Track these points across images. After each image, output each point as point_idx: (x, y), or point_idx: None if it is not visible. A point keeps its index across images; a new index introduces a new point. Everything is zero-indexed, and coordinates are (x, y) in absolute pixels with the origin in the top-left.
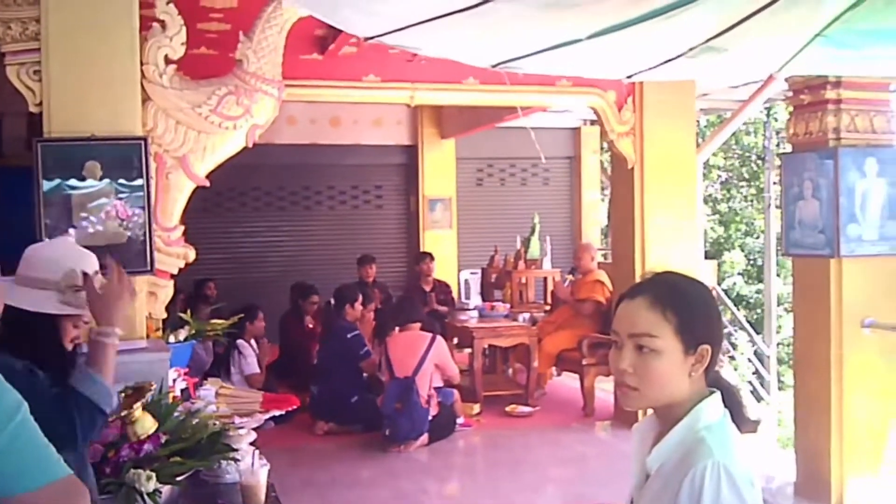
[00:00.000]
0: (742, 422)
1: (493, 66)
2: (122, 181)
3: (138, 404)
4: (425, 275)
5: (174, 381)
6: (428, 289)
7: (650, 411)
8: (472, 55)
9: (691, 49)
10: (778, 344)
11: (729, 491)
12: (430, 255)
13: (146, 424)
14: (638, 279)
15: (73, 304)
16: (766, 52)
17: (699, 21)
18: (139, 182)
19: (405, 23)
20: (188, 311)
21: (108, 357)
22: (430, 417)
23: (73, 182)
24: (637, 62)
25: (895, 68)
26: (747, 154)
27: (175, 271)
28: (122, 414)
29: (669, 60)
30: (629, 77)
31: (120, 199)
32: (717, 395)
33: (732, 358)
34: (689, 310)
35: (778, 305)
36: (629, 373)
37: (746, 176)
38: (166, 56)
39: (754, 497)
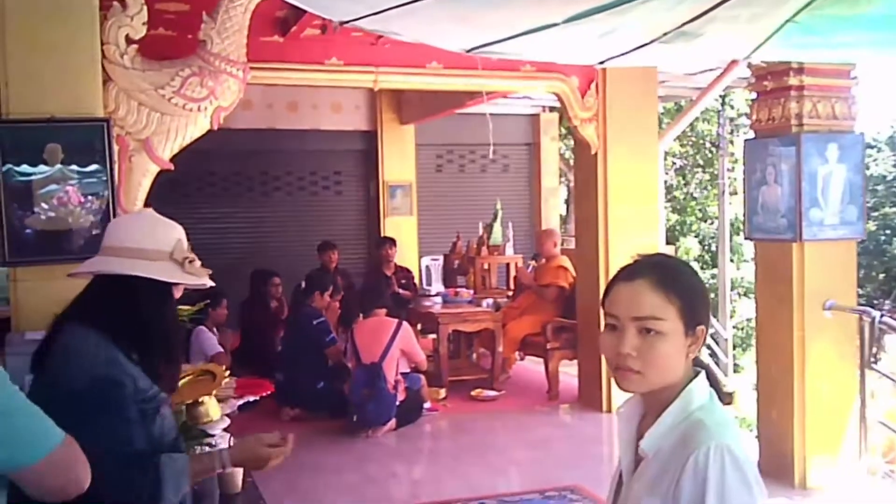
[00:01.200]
0: (721, 396)
1: (468, 51)
2: (74, 166)
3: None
4: (387, 260)
5: None
6: (389, 273)
7: (624, 396)
8: (448, 40)
9: (665, 34)
10: (732, 327)
11: (733, 472)
12: (391, 240)
13: (212, 410)
14: (628, 262)
15: (195, 275)
16: (737, 37)
17: (674, 6)
18: (94, 166)
19: (382, 6)
20: None
21: (206, 475)
22: (397, 403)
23: (24, 168)
24: (611, 47)
25: (861, 55)
26: (702, 141)
27: None
28: (198, 400)
29: (643, 45)
30: (602, 63)
31: (71, 185)
32: (703, 375)
33: None
34: (690, 291)
35: (731, 290)
36: (633, 356)
37: (701, 163)
38: (127, 36)
39: (756, 475)
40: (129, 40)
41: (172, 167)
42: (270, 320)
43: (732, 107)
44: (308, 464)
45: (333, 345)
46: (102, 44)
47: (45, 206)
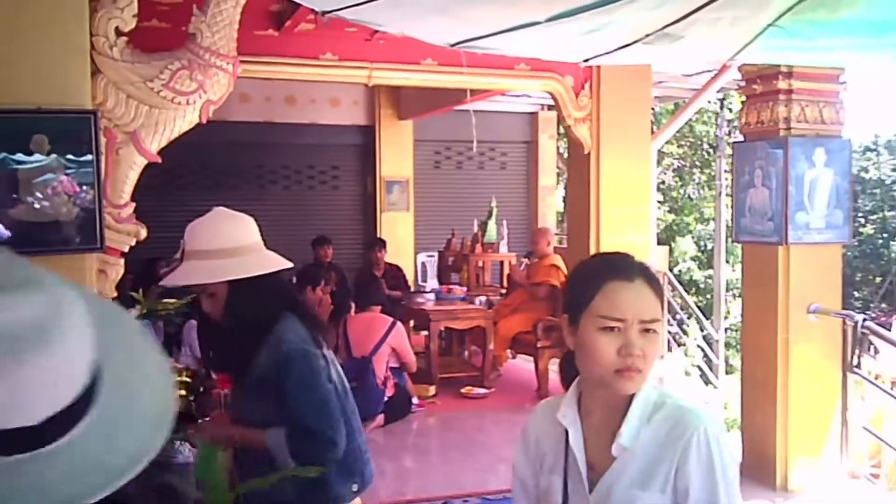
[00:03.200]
0: None
1: (452, 46)
2: (70, 156)
3: None
4: (376, 262)
5: None
6: (379, 274)
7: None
8: (432, 34)
9: (648, 35)
10: (726, 329)
11: (727, 451)
12: (381, 243)
13: None
14: (599, 258)
15: None
16: (720, 40)
17: (657, 7)
18: (88, 157)
19: None
20: (138, 291)
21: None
22: (385, 399)
23: (19, 157)
24: (594, 46)
25: (843, 59)
26: (700, 142)
27: (125, 249)
28: None
29: (626, 46)
30: (586, 61)
31: (67, 174)
32: None
33: (682, 343)
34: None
35: (727, 291)
36: (639, 356)
37: (699, 164)
38: (117, 28)
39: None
40: (118, 32)
41: (160, 160)
42: None
43: (731, 109)
44: None
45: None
46: (91, 35)
47: (38, 195)
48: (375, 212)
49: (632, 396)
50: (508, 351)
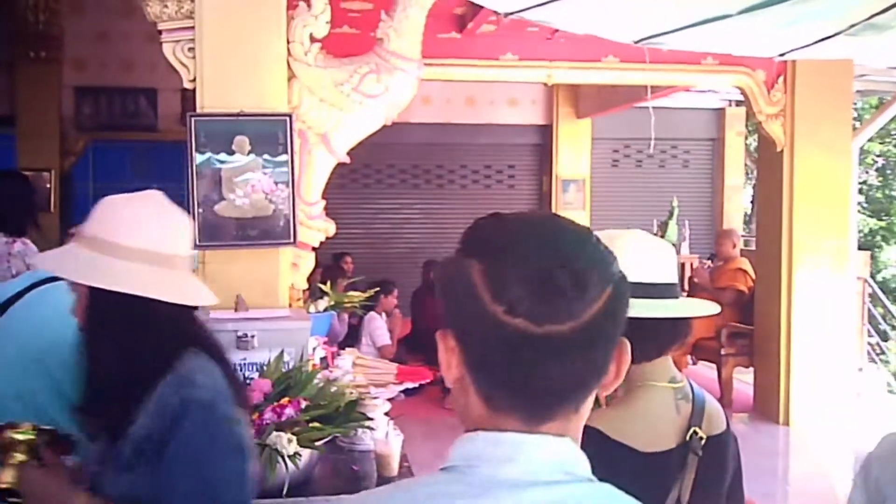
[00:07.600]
0: None
1: (637, 42)
2: (266, 156)
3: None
4: None
5: (314, 349)
6: None
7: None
8: (615, 31)
9: (852, 26)
10: None
11: None
12: None
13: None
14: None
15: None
16: None
17: None
18: (283, 158)
19: None
20: (326, 283)
21: None
22: None
23: (222, 156)
24: (791, 39)
25: None
26: None
27: (316, 244)
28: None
29: (827, 38)
30: (782, 55)
31: (265, 173)
32: None
33: (882, 352)
34: None
35: None
36: None
37: None
38: (311, 34)
39: None
40: (312, 39)
41: (349, 160)
42: (440, 310)
43: None
44: None
45: None
46: (288, 42)
47: (240, 192)
48: (550, 211)
49: None
50: (689, 357)
